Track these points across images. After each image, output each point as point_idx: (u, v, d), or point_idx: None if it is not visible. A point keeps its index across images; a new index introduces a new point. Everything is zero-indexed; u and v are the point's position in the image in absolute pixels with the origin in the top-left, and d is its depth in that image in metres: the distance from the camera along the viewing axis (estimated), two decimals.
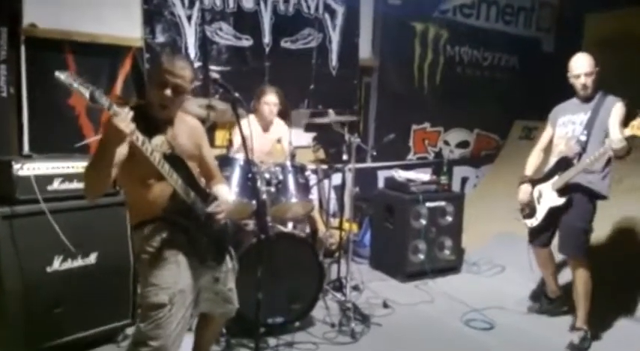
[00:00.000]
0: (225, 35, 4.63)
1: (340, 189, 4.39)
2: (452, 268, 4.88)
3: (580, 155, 3.40)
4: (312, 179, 4.06)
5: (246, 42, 4.75)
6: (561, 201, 3.47)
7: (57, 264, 2.88)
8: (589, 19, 6.53)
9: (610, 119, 3.33)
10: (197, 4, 4.44)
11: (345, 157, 4.03)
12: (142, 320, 2.20)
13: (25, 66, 3.76)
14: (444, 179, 5.05)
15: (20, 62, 3.75)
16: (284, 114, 4.45)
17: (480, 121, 6.62)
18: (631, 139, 3.07)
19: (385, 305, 4.03)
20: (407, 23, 5.83)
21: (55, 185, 2.89)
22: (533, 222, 3.69)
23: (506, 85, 6.69)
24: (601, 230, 4.29)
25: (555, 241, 3.67)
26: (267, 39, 4.86)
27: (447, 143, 6.48)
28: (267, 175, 3.51)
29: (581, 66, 3.42)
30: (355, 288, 4.23)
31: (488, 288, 4.52)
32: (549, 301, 3.94)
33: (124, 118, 1.94)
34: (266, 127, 4.22)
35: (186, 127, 2.44)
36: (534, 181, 3.70)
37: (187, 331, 2.39)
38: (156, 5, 4.25)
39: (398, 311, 3.98)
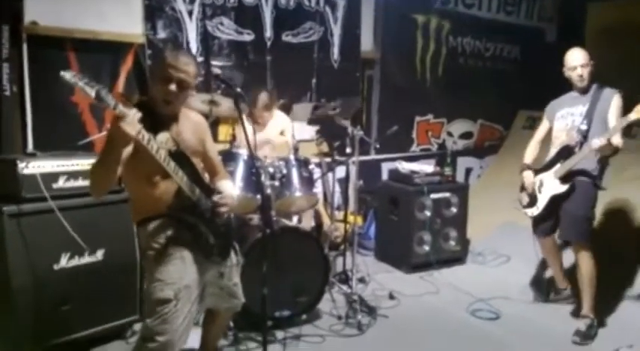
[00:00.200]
0: (226, 30, 4.63)
1: (344, 182, 4.39)
2: (457, 258, 4.89)
3: (581, 144, 3.43)
4: (316, 172, 4.07)
5: (248, 36, 4.74)
6: (564, 188, 3.50)
7: (64, 261, 2.89)
8: (591, 9, 6.50)
9: (609, 111, 3.41)
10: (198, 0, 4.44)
11: (348, 149, 4.03)
12: (149, 316, 2.22)
13: (27, 64, 3.75)
14: (447, 170, 5.04)
15: (22, 60, 3.74)
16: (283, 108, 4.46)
17: (483, 112, 6.61)
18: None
19: (391, 297, 4.04)
20: (408, 15, 5.81)
21: (61, 183, 2.90)
22: (534, 211, 3.71)
23: (508, 76, 6.67)
24: (604, 219, 4.32)
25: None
26: (268, 33, 4.85)
27: (450, 134, 6.47)
28: (270, 170, 3.51)
29: (576, 58, 3.51)
30: (361, 280, 4.25)
31: (494, 278, 4.53)
32: (557, 291, 3.94)
33: (131, 121, 1.94)
34: (264, 124, 4.23)
35: (190, 123, 2.44)
36: (535, 171, 3.74)
37: (194, 325, 2.41)
38: (157, 1, 4.25)
39: (404, 302, 4.00)
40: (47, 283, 2.82)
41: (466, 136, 6.59)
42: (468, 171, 6.60)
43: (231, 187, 2.66)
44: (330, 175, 4.53)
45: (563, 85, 3.71)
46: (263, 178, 3.43)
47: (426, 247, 4.70)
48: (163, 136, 2.24)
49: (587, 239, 3.49)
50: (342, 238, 4.39)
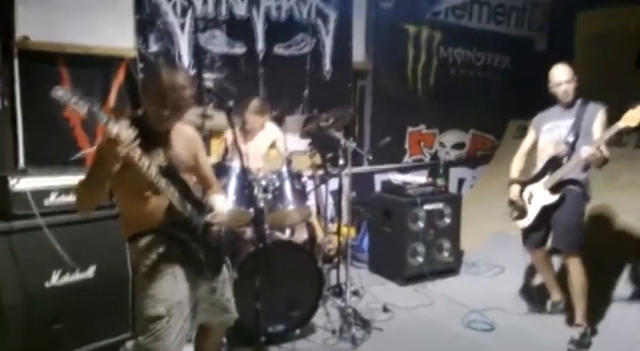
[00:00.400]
0: (218, 43, 4.63)
1: (337, 194, 4.38)
2: (451, 270, 4.89)
3: (569, 155, 3.50)
4: (309, 185, 4.07)
5: (240, 49, 4.75)
6: (554, 198, 3.54)
7: (55, 279, 2.87)
8: (580, 18, 6.55)
9: (594, 124, 3.49)
10: (190, 13, 4.44)
11: (341, 161, 4.03)
12: (141, 333, 2.21)
13: (18, 79, 3.74)
14: (440, 181, 5.06)
15: (14, 75, 3.73)
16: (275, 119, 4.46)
17: (475, 122, 6.64)
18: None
19: (385, 309, 4.03)
20: (399, 26, 5.83)
21: (52, 199, 2.88)
22: (525, 222, 3.73)
23: (499, 85, 6.71)
24: (594, 226, 4.34)
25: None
26: (260, 45, 4.86)
27: (442, 145, 6.48)
28: (263, 183, 3.51)
29: (561, 74, 3.60)
30: (355, 293, 4.23)
31: (488, 289, 4.53)
32: (554, 304, 3.92)
33: (126, 142, 1.94)
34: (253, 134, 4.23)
35: (183, 138, 2.43)
36: (523, 183, 3.77)
37: (187, 342, 2.39)
38: (148, 15, 4.25)
39: (398, 315, 3.98)
40: (38, 301, 2.80)
41: (458, 146, 6.61)
42: (461, 181, 6.61)
43: (222, 202, 2.65)
44: (323, 187, 4.53)
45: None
46: (256, 191, 3.42)
47: (420, 259, 4.69)
48: (155, 152, 2.23)
49: (578, 248, 3.51)
50: (336, 251, 4.38)
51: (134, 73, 4.20)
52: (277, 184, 3.58)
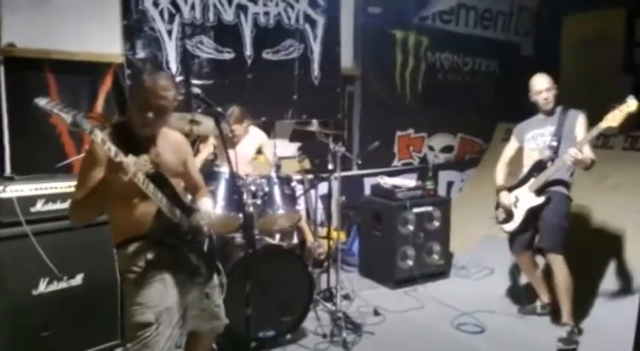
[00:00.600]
0: (206, 49, 4.63)
1: (327, 198, 4.39)
2: (441, 272, 4.90)
3: (553, 159, 3.59)
4: (299, 190, 4.06)
5: (228, 55, 4.74)
6: (540, 200, 3.62)
7: (43, 287, 2.85)
8: (566, 22, 6.62)
9: (576, 129, 3.60)
10: (177, 19, 4.43)
11: (330, 166, 4.03)
12: (130, 340, 2.19)
13: (4, 86, 3.72)
14: (429, 184, 5.07)
15: (0, 82, 3.71)
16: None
17: (463, 126, 6.67)
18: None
19: (376, 313, 4.03)
20: (387, 31, 5.86)
21: (39, 207, 2.87)
22: (512, 226, 3.80)
23: (487, 89, 6.74)
24: (585, 227, 4.38)
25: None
26: (248, 51, 4.86)
27: (431, 148, 6.51)
28: (252, 188, 3.50)
29: (541, 83, 3.71)
30: (345, 297, 4.23)
31: (478, 291, 4.54)
32: (544, 306, 3.96)
33: (128, 168, 1.97)
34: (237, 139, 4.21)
35: (170, 144, 2.42)
36: (509, 188, 3.85)
37: (176, 349, 2.38)
38: (136, 21, 4.24)
39: (389, 319, 3.98)
40: (26, 309, 2.78)
41: (447, 149, 6.64)
42: (450, 184, 6.63)
43: (209, 205, 2.65)
44: (312, 191, 4.53)
45: None
46: (245, 196, 3.41)
47: (410, 262, 4.70)
48: (142, 158, 2.21)
49: (561, 247, 3.57)
50: (326, 255, 4.38)
51: (121, 79, 4.18)
52: (266, 189, 3.57)
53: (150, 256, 2.24)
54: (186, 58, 4.51)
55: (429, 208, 4.84)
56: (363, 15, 5.59)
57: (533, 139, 3.80)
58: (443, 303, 4.25)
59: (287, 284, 3.46)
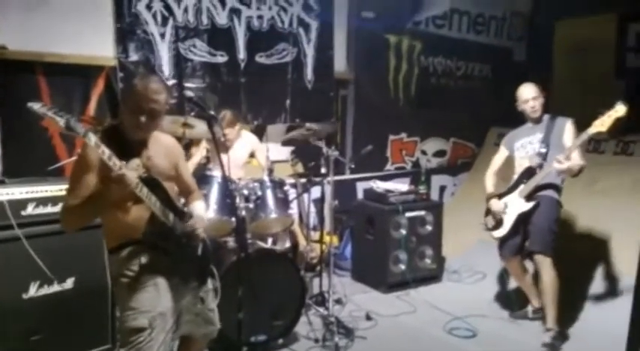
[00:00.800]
0: (199, 52, 4.62)
1: (320, 202, 4.39)
2: (433, 277, 4.90)
3: (542, 165, 3.63)
4: (292, 193, 4.06)
5: (221, 58, 4.74)
6: (530, 205, 3.66)
7: (33, 290, 2.83)
8: (559, 27, 6.65)
9: (564, 136, 3.63)
10: (170, 22, 4.42)
11: (323, 170, 4.03)
12: (122, 346, 2.17)
13: None
14: (422, 188, 5.08)
15: None
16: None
17: (455, 130, 6.69)
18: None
19: (368, 317, 4.03)
20: (380, 35, 5.88)
21: (29, 210, 2.84)
22: (502, 232, 3.82)
23: (480, 94, 6.77)
24: (575, 231, 4.41)
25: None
26: (241, 55, 4.86)
27: (424, 153, 6.53)
28: (245, 192, 3.49)
29: (528, 92, 3.75)
30: (338, 301, 4.23)
31: (470, 295, 4.55)
32: (535, 311, 3.97)
33: (131, 181, 1.98)
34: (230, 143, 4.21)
35: (162, 147, 2.41)
36: (499, 195, 3.88)
37: None
38: (128, 24, 4.22)
39: (381, 323, 3.98)
40: (16, 313, 2.76)
41: (439, 154, 6.66)
42: (442, 189, 6.65)
43: (202, 209, 2.65)
44: (305, 195, 4.53)
45: None
46: (237, 200, 3.41)
47: (402, 266, 4.71)
48: (134, 163, 2.20)
49: (550, 251, 3.60)
50: (319, 259, 4.37)
51: (114, 82, 4.17)
52: (259, 192, 3.57)
53: (144, 260, 2.23)
54: (179, 61, 4.50)
55: (422, 213, 4.85)
56: (357, 19, 5.61)
57: (522, 148, 3.84)
58: (435, 307, 4.25)
59: (279, 288, 3.46)
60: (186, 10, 4.49)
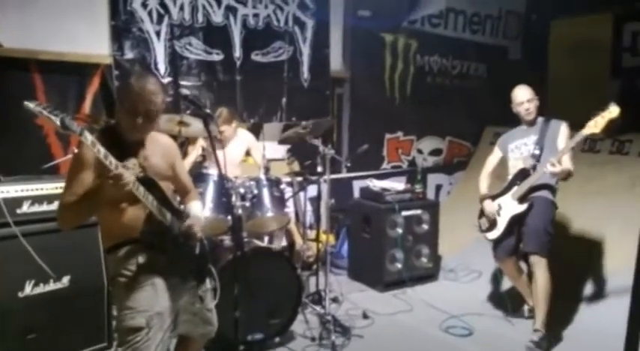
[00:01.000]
0: (195, 50, 4.61)
1: (316, 201, 4.38)
2: (429, 275, 4.91)
3: (535, 167, 3.63)
4: (288, 192, 4.06)
5: (217, 56, 4.73)
6: (523, 207, 3.65)
7: (29, 289, 2.81)
8: (554, 26, 6.67)
9: (558, 138, 3.64)
10: (166, 20, 4.41)
11: (319, 168, 4.03)
12: (120, 345, 2.17)
13: None
14: (418, 187, 5.09)
15: None
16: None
17: (451, 129, 6.70)
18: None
19: (365, 316, 4.03)
20: (376, 34, 5.87)
21: (25, 208, 2.83)
22: (495, 233, 3.82)
23: (475, 93, 6.77)
24: (569, 231, 4.41)
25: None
26: (237, 53, 4.84)
27: (420, 151, 6.53)
28: (241, 190, 3.49)
29: (523, 94, 3.76)
30: (334, 300, 4.23)
31: (466, 294, 4.56)
32: (532, 310, 3.96)
33: (129, 180, 1.98)
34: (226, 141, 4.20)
35: (159, 147, 2.39)
36: (493, 197, 3.88)
37: None
38: (124, 21, 4.20)
39: (378, 322, 3.98)
40: (11, 312, 2.74)
41: (435, 152, 6.67)
42: (438, 187, 6.65)
43: (199, 209, 2.64)
44: (301, 194, 4.52)
45: None
46: (234, 198, 3.40)
47: (399, 265, 4.71)
48: (131, 162, 2.19)
49: (546, 252, 3.59)
50: (315, 258, 4.37)
51: (109, 80, 4.16)
52: (255, 191, 3.56)
53: (141, 259, 2.22)
54: (174, 59, 4.49)
55: (418, 211, 4.85)
56: (353, 18, 5.60)
57: (517, 149, 3.84)
58: (431, 306, 4.26)
59: (276, 287, 3.45)
60: (181, 8, 4.48)
